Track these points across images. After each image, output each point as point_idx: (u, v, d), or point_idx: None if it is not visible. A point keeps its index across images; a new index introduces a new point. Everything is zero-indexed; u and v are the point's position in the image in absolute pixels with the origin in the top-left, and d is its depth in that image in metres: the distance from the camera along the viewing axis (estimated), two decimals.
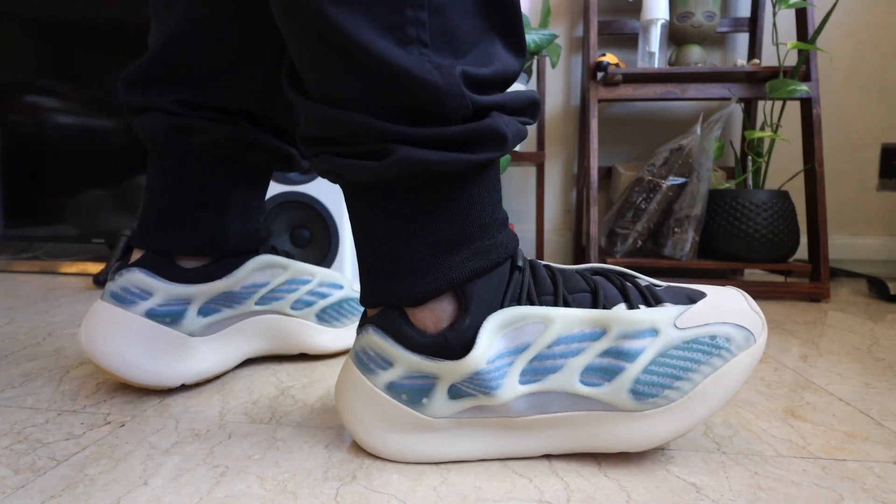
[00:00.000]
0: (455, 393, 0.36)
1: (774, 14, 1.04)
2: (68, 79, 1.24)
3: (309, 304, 0.56)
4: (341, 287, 0.59)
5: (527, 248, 1.45)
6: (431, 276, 0.35)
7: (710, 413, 0.37)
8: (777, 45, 1.03)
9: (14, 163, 1.28)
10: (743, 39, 1.37)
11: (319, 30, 0.32)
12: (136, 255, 0.49)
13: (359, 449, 0.39)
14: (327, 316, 0.58)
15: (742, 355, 0.37)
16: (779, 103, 1.31)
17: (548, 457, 0.38)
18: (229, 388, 0.51)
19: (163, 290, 0.47)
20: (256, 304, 0.54)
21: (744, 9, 1.35)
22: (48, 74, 1.25)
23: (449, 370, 0.35)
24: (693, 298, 0.39)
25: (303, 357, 0.61)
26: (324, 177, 0.38)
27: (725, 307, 0.38)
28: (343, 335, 0.59)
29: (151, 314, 0.47)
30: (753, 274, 1.31)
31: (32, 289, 1.03)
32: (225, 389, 0.51)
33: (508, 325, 0.35)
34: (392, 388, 0.37)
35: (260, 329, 0.55)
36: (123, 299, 0.47)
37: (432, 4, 0.33)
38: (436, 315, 0.36)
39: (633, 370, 0.35)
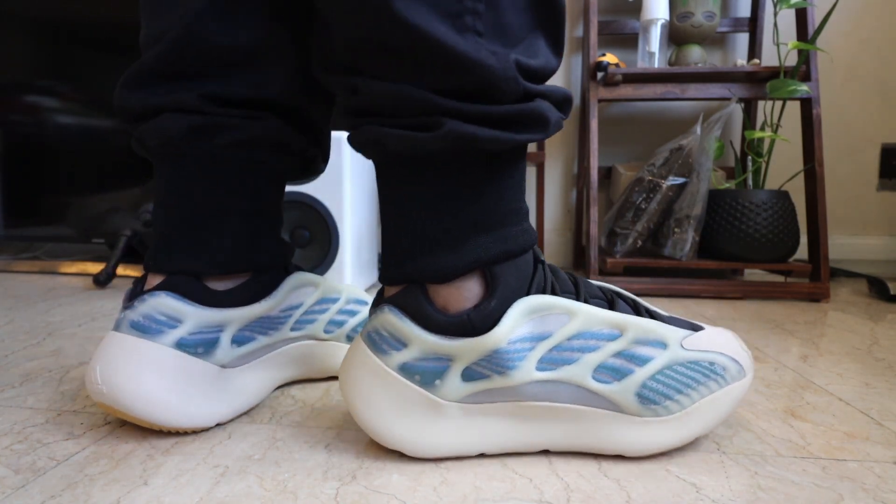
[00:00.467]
0: (469, 375, 0.36)
1: (775, 14, 1.04)
2: (68, 79, 1.24)
3: (340, 324, 0.53)
4: (366, 303, 0.56)
5: None
6: (461, 254, 0.36)
7: (702, 432, 0.39)
8: (777, 45, 1.03)
9: (14, 163, 1.28)
10: (743, 39, 1.37)
11: (378, 12, 0.33)
12: (154, 280, 0.42)
13: (359, 449, 0.39)
14: (356, 334, 0.54)
15: (735, 385, 0.40)
16: (779, 103, 1.31)
17: (548, 457, 0.38)
18: None
19: (194, 317, 0.41)
20: (292, 329, 0.48)
21: (744, 9, 1.35)
22: (48, 74, 1.25)
23: (469, 348, 0.36)
24: (694, 328, 0.42)
25: None
26: (362, 149, 0.38)
27: (722, 342, 0.41)
28: None
29: (182, 345, 0.40)
30: (753, 274, 1.31)
31: (32, 289, 1.03)
32: None
33: (535, 312, 0.36)
34: (405, 370, 0.37)
35: (293, 358, 0.50)
36: (148, 329, 0.40)
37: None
38: (461, 294, 0.37)
39: (642, 374, 0.37)
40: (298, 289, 0.48)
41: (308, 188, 0.92)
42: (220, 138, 0.42)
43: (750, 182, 1.11)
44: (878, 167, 1.37)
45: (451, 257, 0.36)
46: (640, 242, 1.10)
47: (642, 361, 0.37)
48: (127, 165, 1.23)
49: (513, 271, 0.37)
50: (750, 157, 1.13)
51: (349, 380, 0.39)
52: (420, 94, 0.34)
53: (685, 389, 0.38)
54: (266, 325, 0.46)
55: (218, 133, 0.42)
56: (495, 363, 0.36)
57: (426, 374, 0.37)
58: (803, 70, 1.05)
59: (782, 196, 1.02)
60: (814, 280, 1.02)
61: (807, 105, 1.04)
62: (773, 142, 1.05)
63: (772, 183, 1.38)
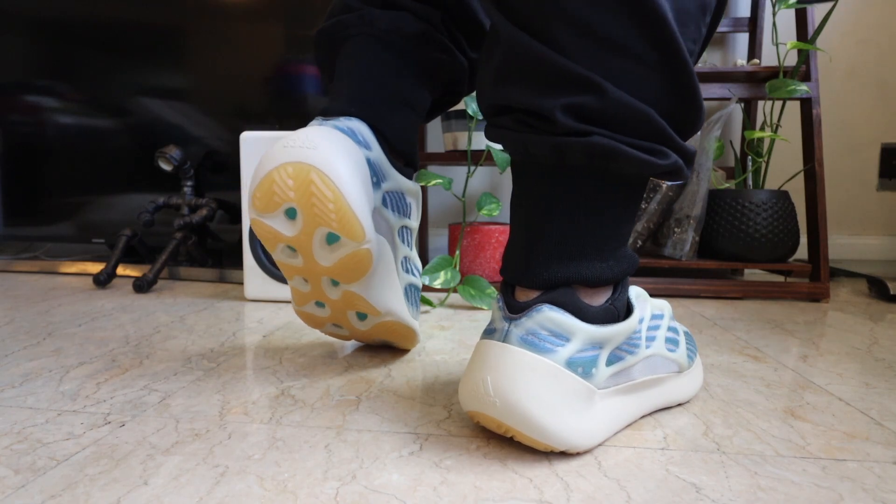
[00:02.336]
0: (611, 359, 0.40)
1: (774, 14, 1.04)
2: (68, 79, 1.24)
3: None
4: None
5: None
6: (614, 264, 0.41)
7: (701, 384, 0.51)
8: (777, 45, 1.03)
9: (14, 163, 1.28)
10: (743, 39, 1.37)
11: (657, 36, 0.36)
12: (336, 121, 0.49)
13: (359, 449, 0.39)
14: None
15: (698, 362, 0.51)
16: (779, 103, 1.31)
17: (548, 457, 0.38)
18: (229, 388, 0.51)
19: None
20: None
21: (744, 9, 1.35)
22: (48, 74, 1.25)
23: (619, 331, 0.40)
24: None
25: (303, 357, 0.61)
26: (572, 155, 0.37)
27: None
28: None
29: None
30: (753, 274, 1.31)
31: (32, 289, 1.03)
32: (225, 389, 0.51)
33: (639, 297, 0.44)
34: (571, 364, 0.38)
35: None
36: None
37: (702, 35, 0.40)
38: (602, 291, 0.42)
39: (682, 341, 0.48)
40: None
41: None
42: (429, 51, 0.54)
43: (750, 182, 1.11)
44: (877, 167, 1.37)
45: (606, 266, 0.41)
46: (640, 242, 1.10)
47: (679, 332, 0.48)
48: (127, 165, 1.23)
49: None
50: (750, 157, 1.13)
51: (518, 387, 0.36)
52: (657, 121, 0.37)
53: (694, 353, 0.50)
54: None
55: (428, 45, 0.54)
56: (632, 344, 0.42)
57: (586, 364, 0.39)
58: (803, 70, 1.05)
59: (782, 196, 1.02)
60: (814, 280, 1.02)
61: (806, 105, 1.04)
62: (772, 142, 1.05)
63: (772, 183, 1.38)
